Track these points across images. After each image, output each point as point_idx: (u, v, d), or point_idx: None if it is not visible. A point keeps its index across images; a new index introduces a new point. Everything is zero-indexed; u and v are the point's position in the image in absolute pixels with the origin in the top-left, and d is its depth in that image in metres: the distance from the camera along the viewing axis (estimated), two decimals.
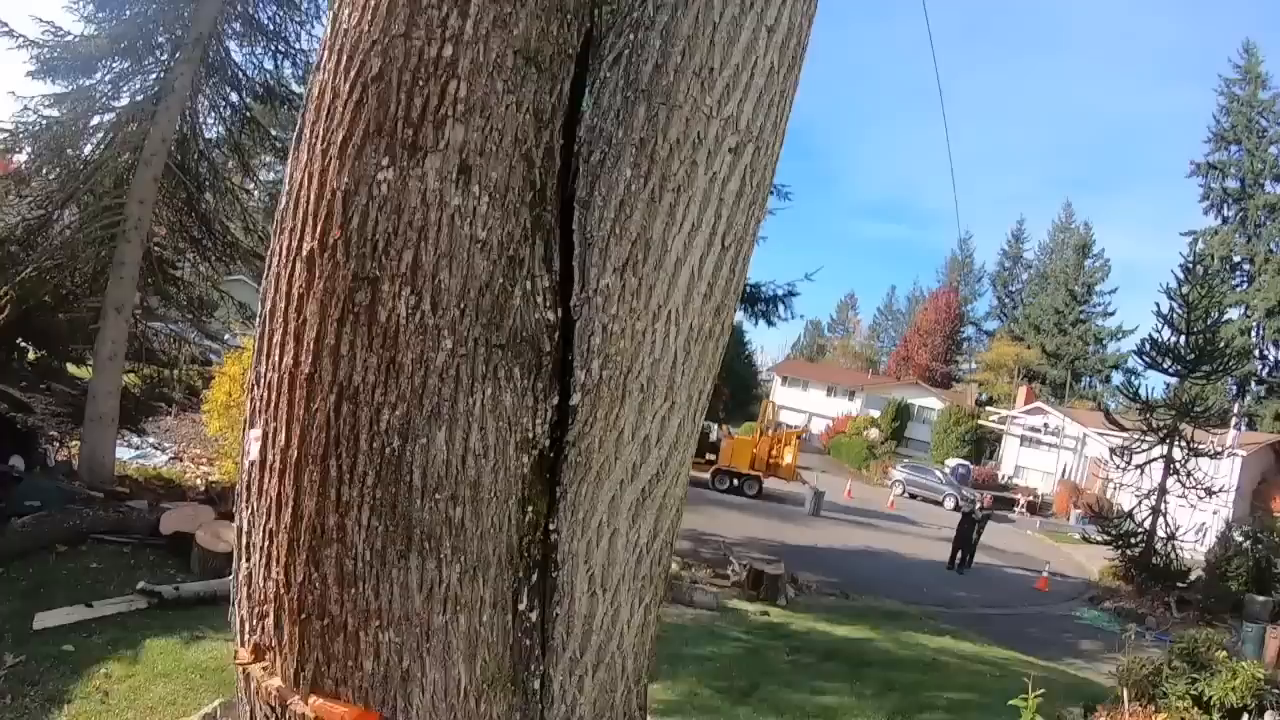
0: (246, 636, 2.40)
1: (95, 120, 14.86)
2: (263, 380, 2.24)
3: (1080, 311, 67.90)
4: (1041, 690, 5.42)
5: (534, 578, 2.27)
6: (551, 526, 2.26)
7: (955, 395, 57.95)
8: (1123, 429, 25.52)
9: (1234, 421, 33.02)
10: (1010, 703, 5.78)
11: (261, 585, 2.29)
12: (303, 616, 2.18)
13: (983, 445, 51.30)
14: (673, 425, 2.37)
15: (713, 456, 27.78)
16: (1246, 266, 52.72)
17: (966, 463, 45.59)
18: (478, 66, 2.14)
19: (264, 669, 2.35)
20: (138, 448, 15.66)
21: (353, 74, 2.15)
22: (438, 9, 2.16)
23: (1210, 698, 8.06)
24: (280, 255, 2.24)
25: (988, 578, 22.38)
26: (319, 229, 2.11)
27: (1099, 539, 24.76)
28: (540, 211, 2.14)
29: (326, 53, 2.27)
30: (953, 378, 67.93)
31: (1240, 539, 22.18)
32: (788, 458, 29.10)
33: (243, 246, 16.59)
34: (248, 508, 2.34)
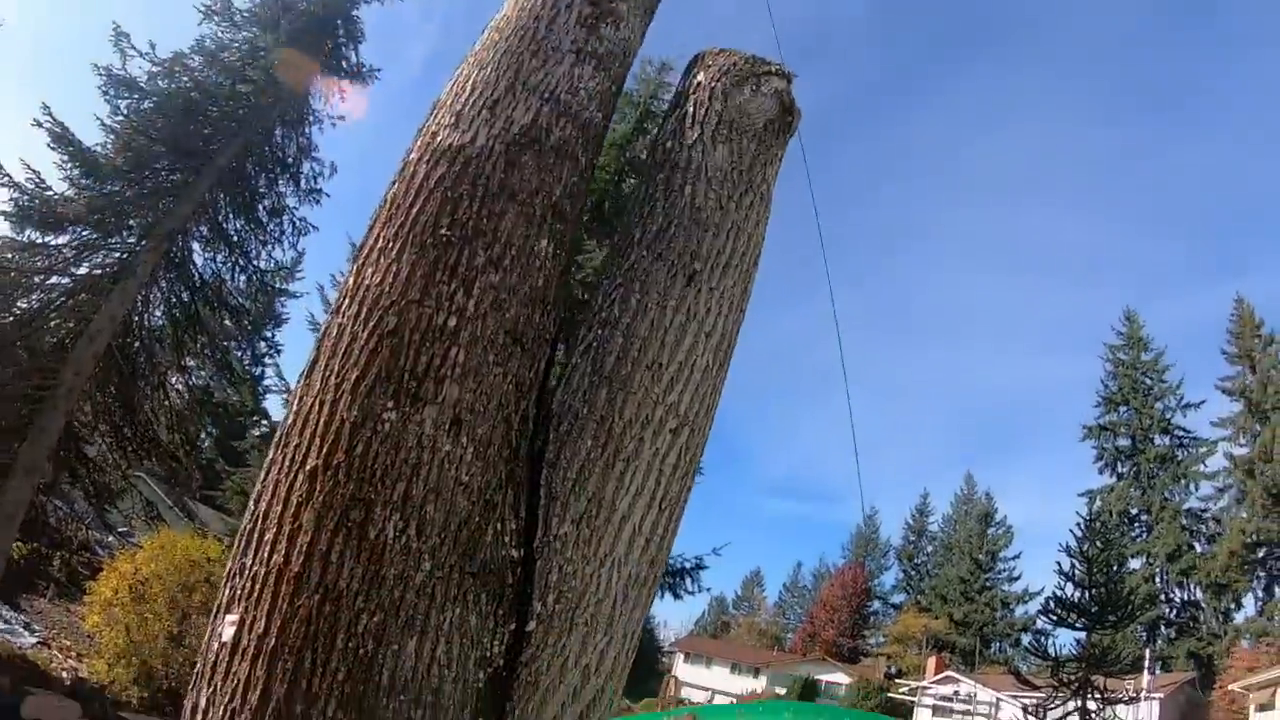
0: None
1: (52, 280, 15.11)
2: (247, 571, 2.55)
3: (985, 579, 69.29)
4: None
5: None
6: None
7: (864, 669, 57.35)
8: (1035, 687, 25.62)
9: (1146, 665, 33.32)
10: None
11: None
12: None
13: (894, 718, 50.37)
14: (609, 657, 2.75)
15: None
16: (1144, 517, 55.26)
17: None
18: (475, 339, 2.71)
19: None
20: (7, 622, 14.52)
21: (371, 325, 2.67)
22: (447, 285, 2.76)
23: None
24: (281, 465, 2.62)
25: None
26: (325, 450, 2.53)
27: None
28: (514, 466, 2.63)
29: (347, 301, 2.81)
30: (860, 652, 67.34)
31: None
32: None
33: (160, 443, 16.43)
34: (209, 686, 2.54)
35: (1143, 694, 27.91)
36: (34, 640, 14.62)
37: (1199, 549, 52.45)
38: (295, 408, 2.70)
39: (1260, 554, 47.71)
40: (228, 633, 2.56)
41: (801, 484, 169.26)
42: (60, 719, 9.74)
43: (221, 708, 2.50)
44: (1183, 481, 54.69)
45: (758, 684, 55.02)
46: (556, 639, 2.58)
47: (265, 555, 2.51)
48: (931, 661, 52.62)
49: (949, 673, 49.40)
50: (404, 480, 2.48)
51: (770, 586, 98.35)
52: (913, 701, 48.94)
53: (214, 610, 2.71)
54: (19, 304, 15.02)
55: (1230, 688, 35.74)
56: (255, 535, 2.59)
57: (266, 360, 21.70)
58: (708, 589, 74.95)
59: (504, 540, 2.58)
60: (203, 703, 2.59)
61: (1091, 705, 23.83)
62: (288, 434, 2.64)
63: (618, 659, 2.78)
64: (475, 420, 2.58)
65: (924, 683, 49.22)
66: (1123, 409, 59.65)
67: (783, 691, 50.69)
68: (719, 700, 50.94)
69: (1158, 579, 53.28)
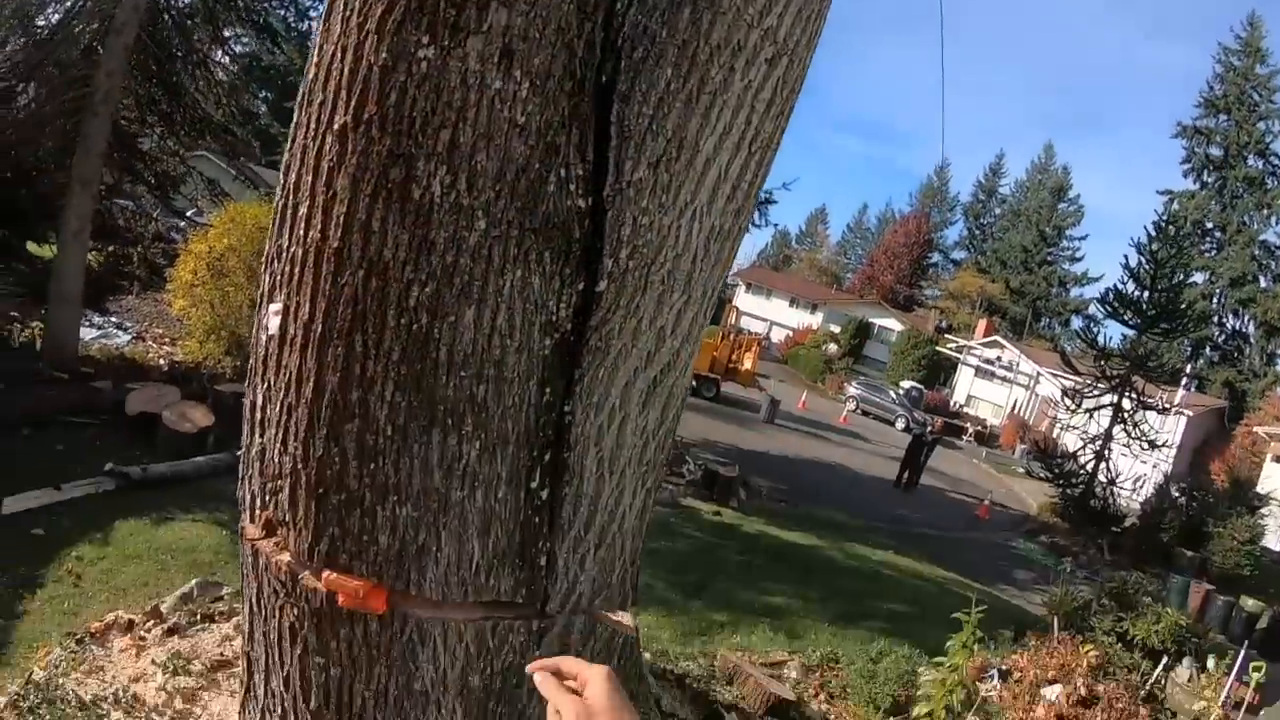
0: (257, 512, 2.47)
1: None
2: (285, 254, 2.25)
3: (1048, 253, 68.71)
4: (984, 607, 5.66)
5: (547, 457, 2.36)
6: (567, 409, 2.33)
7: (916, 319, 58.56)
8: (1077, 373, 26.07)
9: (1184, 381, 33.92)
10: (953, 615, 6.01)
11: (277, 460, 2.34)
12: (320, 491, 2.26)
13: (937, 371, 52.21)
14: (687, 318, 2.47)
15: None
16: (1218, 234, 53.62)
17: (920, 386, 46.43)
18: None
19: (275, 544, 2.43)
20: (100, 327, 15.33)
21: None
22: None
23: (1134, 637, 8.50)
24: (307, 128, 2.22)
25: (931, 500, 23.10)
26: (353, 103, 2.10)
27: (1042, 475, 25.59)
28: (578, 101, 2.15)
29: None
30: (915, 301, 68.51)
31: (1176, 494, 23.02)
32: (747, 363, 28.83)
33: (213, 121, 16.00)
34: (264, 383, 2.37)
35: (1173, 408, 28.15)
36: (128, 337, 15.44)
37: (1263, 283, 50.80)
38: (315, 59, 2.23)
39: None
40: (273, 324, 2.30)
41: (874, 124, 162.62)
42: (162, 405, 10.36)
43: (278, 404, 2.31)
44: (1265, 211, 51.76)
45: (814, 319, 57.06)
46: (630, 299, 2.28)
47: (301, 234, 2.19)
48: (982, 324, 53.70)
49: (997, 338, 50.62)
50: (448, 127, 2.06)
51: (834, 225, 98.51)
52: (958, 359, 50.74)
53: (257, 300, 2.43)
54: (38, 21, 13.97)
55: (1255, 429, 36.01)
56: (289, 212, 2.25)
57: (311, 13, 20.17)
58: (775, 224, 74.27)
59: (569, 189, 2.18)
60: (259, 399, 2.41)
61: (1126, 404, 24.13)
62: (310, 91, 2.21)
63: (695, 320, 2.52)
64: (530, 49, 2.08)
65: (971, 343, 50.64)
66: (1222, 118, 54.90)
67: (837, 329, 52.71)
68: (777, 332, 53.31)
69: (1215, 300, 52.27)
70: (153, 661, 4.50)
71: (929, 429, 25.41)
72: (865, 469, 24.50)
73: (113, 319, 16.15)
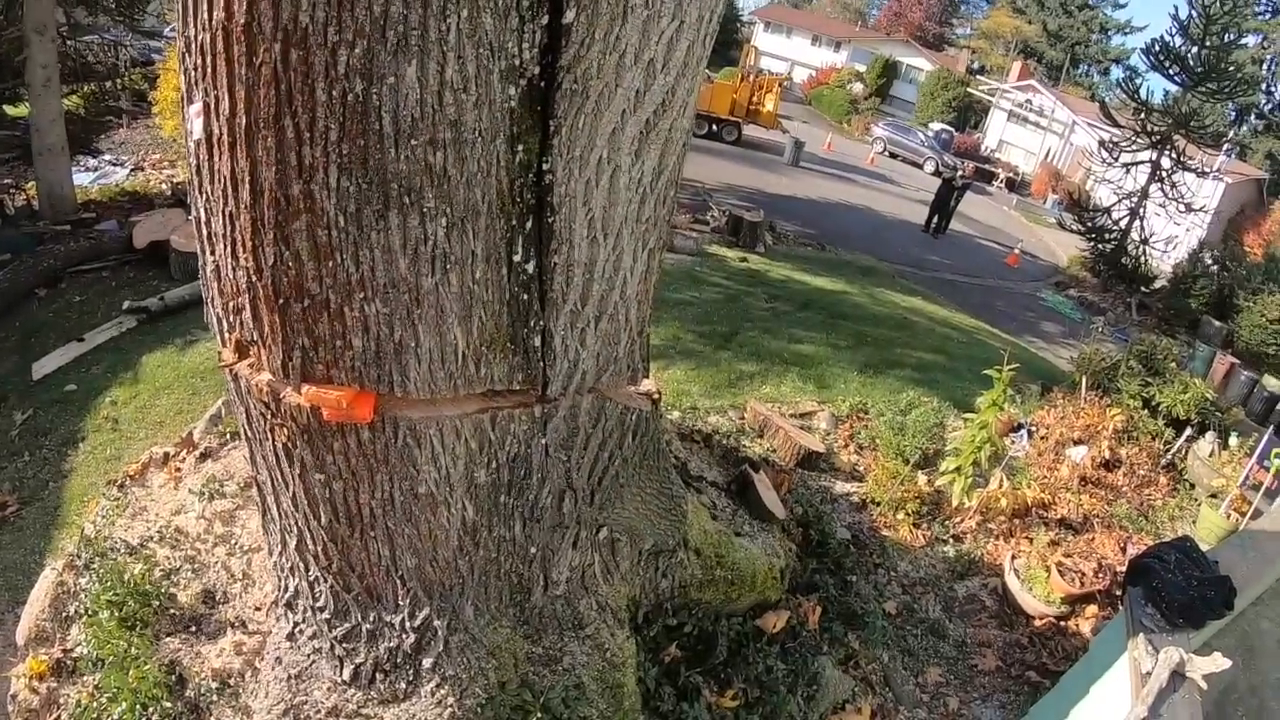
0: (226, 335, 2.27)
1: None
2: (194, 45, 1.89)
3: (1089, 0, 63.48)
4: (1015, 365, 5.52)
5: (528, 225, 2.10)
6: (545, 166, 2.04)
7: (946, 59, 54.70)
8: (1117, 125, 24.59)
9: (1226, 147, 31.85)
10: (984, 371, 5.88)
11: (232, 276, 2.11)
12: (280, 302, 2.03)
13: (968, 114, 49.56)
14: (680, 47, 2.08)
15: None
16: None
17: (950, 128, 44.36)
18: None
19: (250, 365, 2.25)
20: (95, 169, 14.88)
21: None
22: None
23: (1160, 404, 8.33)
24: None
25: (960, 246, 22.62)
26: None
27: (1074, 227, 24.89)
28: None
29: None
30: (946, 40, 63.70)
31: (1209, 262, 22.32)
32: (769, 105, 27.05)
33: None
34: (201, 194, 2.10)
35: (1213, 172, 26.50)
36: (127, 171, 14.98)
37: None
38: None
39: None
40: (197, 126, 1.98)
41: None
42: (169, 230, 10.13)
43: (220, 214, 2.03)
44: None
45: (838, 58, 53.49)
46: (606, 29, 1.91)
47: (206, 16, 1.82)
48: (1017, 66, 50.25)
49: (1032, 82, 47.48)
50: None
51: None
52: (990, 101, 48.15)
53: (180, 105, 2.12)
54: None
55: None
56: None
57: None
58: None
59: None
60: (202, 213, 2.13)
61: (1165, 162, 22.77)
62: None
63: (691, 50, 2.12)
64: None
65: (1005, 86, 47.68)
66: None
67: (862, 69, 49.95)
68: (799, 72, 50.89)
69: (1265, 65, 47.85)
70: (190, 491, 4.53)
71: (959, 173, 24.30)
72: (894, 213, 23.83)
73: (107, 157, 15.66)
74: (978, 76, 52.43)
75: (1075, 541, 5.78)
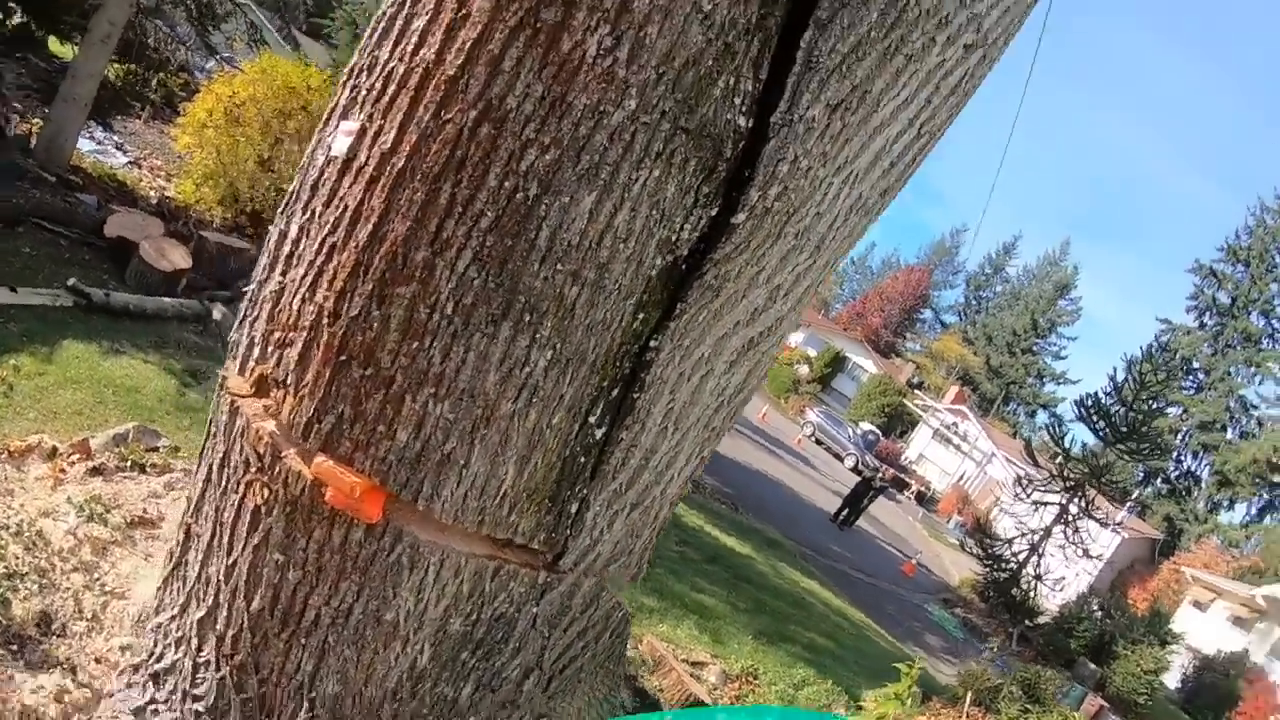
0: (251, 364, 2.08)
1: None
2: (379, 68, 1.86)
3: (1034, 343, 69.08)
4: (921, 665, 5.48)
5: (614, 393, 2.04)
6: (653, 344, 2.00)
7: (891, 366, 58.31)
8: (1036, 464, 26.20)
9: (1130, 504, 34.39)
10: (893, 665, 5.89)
11: (296, 307, 1.97)
12: (341, 359, 1.88)
13: (897, 422, 52.02)
14: (803, 285, 2.18)
15: None
16: (1201, 376, 54.45)
17: (878, 431, 46.28)
18: None
19: (264, 407, 2.05)
20: (99, 143, 14.55)
21: None
22: None
23: None
24: None
25: (863, 543, 23.06)
26: None
27: (973, 551, 25.73)
28: (769, 11, 1.78)
29: None
30: (895, 350, 68.13)
31: (1095, 607, 23.24)
32: None
33: None
34: (305, 212, 1.99)
35: (1113, 525, 28.57)
36: (125, 160, 14.68)
37: (1229, 435, 51.94)
38: None
39: (1276, 479, 47.38)
40: (340, 144, 1.91)
41: None
42: (143, 235, 9.75)
43: (317, 240, 1.92)
44: (1253, 369, 52.80)
45: (795, 338, 56.40)
46: (760, 243, 1.95)
47: (409, 49, 1.81)
48: (954, 390, 53.68)
49: (964, 408, 50.58)
50: None
51: None
52: (921, 416, 50.81)
53: (325, 116, 2.03)
54: None
55: (1181, 568, 36.80)
56: (399, 22, 1.87)
57: None
58: None
59: (734, 101, 1.84)
60: (293, 230, 2.02)
61: (1073, 507, 24.29)
62: None
63: (808, 290, 2.23)
64: None
65: (938, 405, 50.62)
66: (1239, 267, 55.85)
67: (813, 354, 52.29)
68: None
69: (1179, 436, 53.22)
70: (69, 499, 4.07)
71: (880, 475, 25.37)
72: (809, 496, 24.36)
73: (114, 138, 15.37)
74: (916, 390, 55.97)
75: None
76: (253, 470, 2.06)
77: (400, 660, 2.13)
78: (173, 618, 2.45)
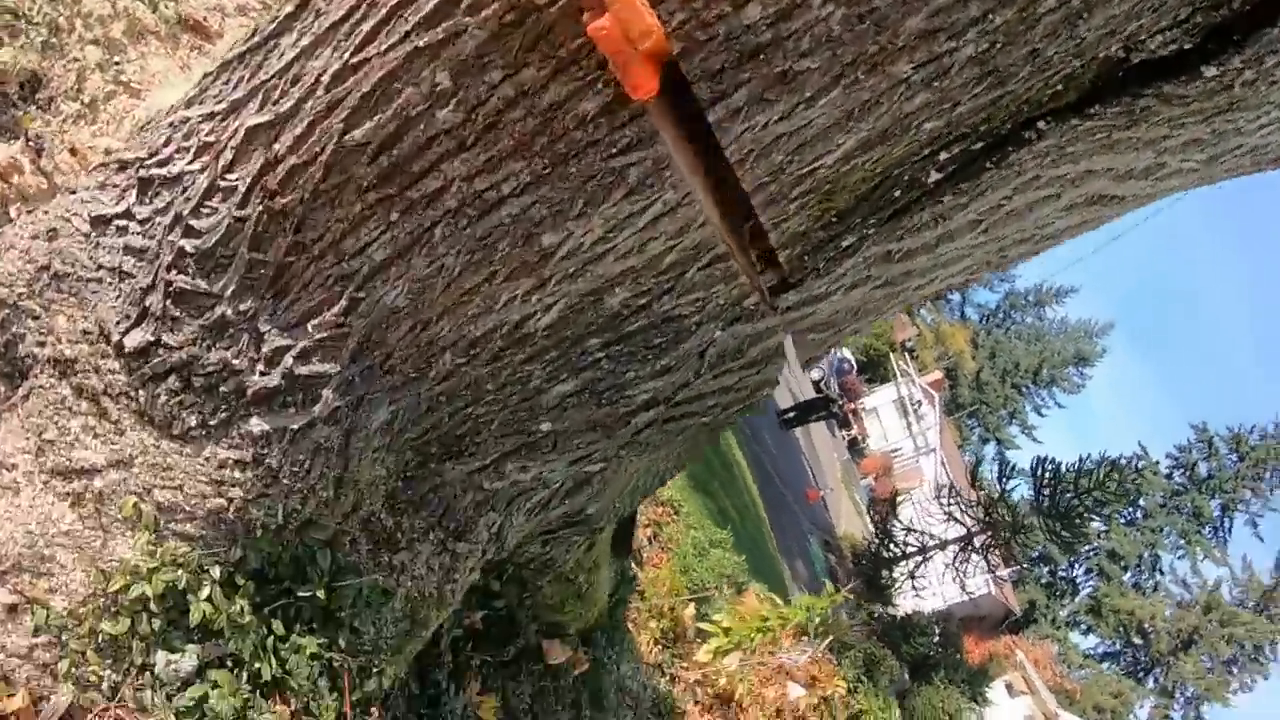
0: None
1: None
2: None
3: (1027, 386, 68.64)
4: (844, 597, 5.56)
5: (976, 147, 1.48)
6: (1043, 125, 1.47)
7: (897, 319, 57.62)
8: (972, 486, 26.55)
9: (1014, 570, 35.50)
10: (824, 583, 5.96)
11: None
12: None
13: (871, 368, 52.10)
14: (1155, 186, 1.73)
15: None
16: (1139, 515, 55.37)
17: (853, 363, 46.33)
18: None
19: None
20: None
21: None
22: None
23: (859, 703, 8.68)
24: None
25: (791, 448, 23.58)
26: None
27: (872, 517, 26.31)
28: None
29: None
30: (909, 310, 67.54)
31: (937, 631, 24.30)
32: None
33: None
34: None
35: (995, 577, 29.82)
36: None
37: (1126, 578, 53.83)
38: None
39: (1135, 639, 49.49)
40: None
41: None
42: None
43: None
44: (1184, 541, 53.29)
45: None
46: (1191, 109, 1.46)
47: None
48: (936, 374, 53.27)
49: (936, 396, 50.55)
50: None
51: None
52: (894, 377, 50.79)
53: None
54: None
55: (1017, 650, 38.73)
56: None
57: None
58: None
59: None
60: None
61: (976, 541, 24.67)
62: None
63: (1144, 198, 1.83)
64: None
65: (915, 378, 50.47)
66: (1233, 458, 54.61)
67: None
68: None
69: (1088, 549, 54.52)
70: None
71: (838, 402, 25.44)
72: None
73: None
74: (906, 353, 55.39)
75: None
76: None
77: (513, 306, 1.51)
78: (211, 114, 1.73)
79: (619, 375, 1.69)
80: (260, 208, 1.59)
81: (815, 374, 36.61)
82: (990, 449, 62.63)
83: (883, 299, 1.76)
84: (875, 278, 1.64)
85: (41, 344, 1.82)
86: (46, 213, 1.94)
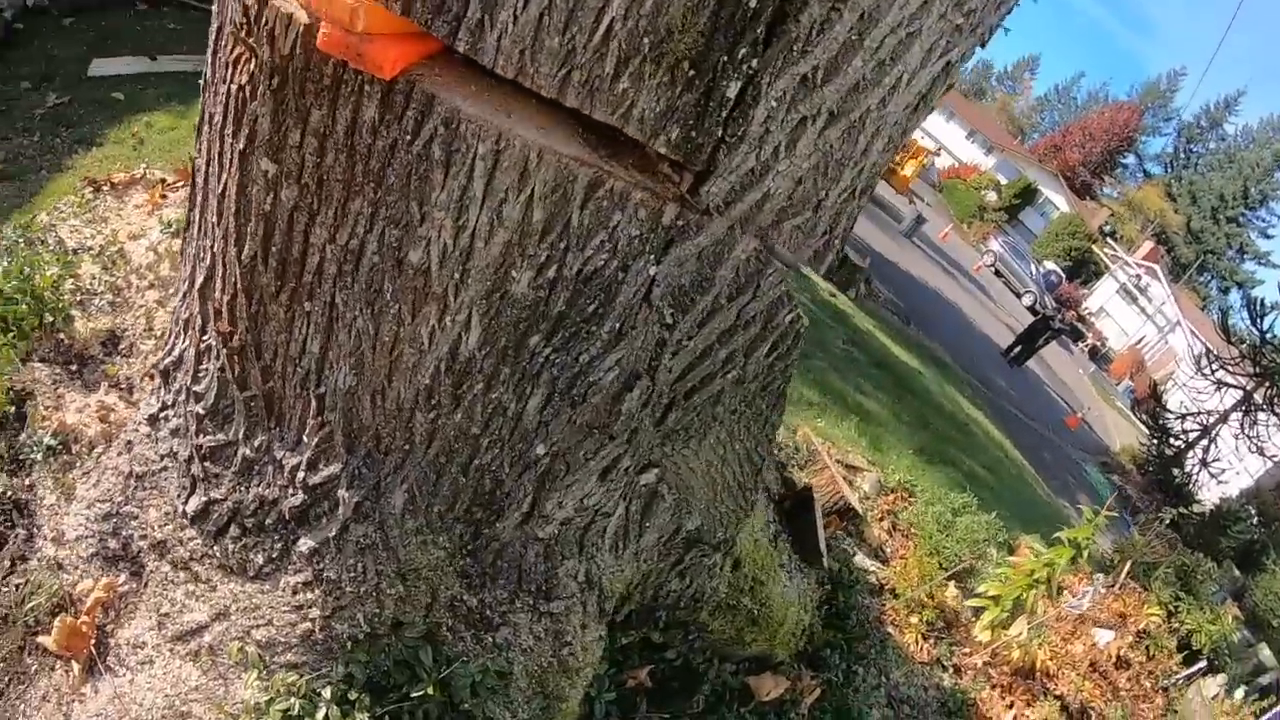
0: None
1: None
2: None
3: (1243, 213, 61.29)
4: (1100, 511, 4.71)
5: None
6: None
7: (1083, 207, 52.89)
8: (1229, 340, 23.52)
9: None
10: (1079, 505, 5.27)
11: None
12: None
13: (1081, 269, 48.22)
14: None
15: None
16: None
17: (1061, 273, 42.99)
18: None
19: None
20: None
21: None
22: None
23: (1185, 624, 7.72)
24: None
25: (1030, 385, 21.88)
26: None
27: (1143, 419, 23.91)
28: None
29: None
30: (1091, 192, 61.73)
31: (1253, 511, 21.37)
32: (908, 170, 26.23)
33: None
34: None
35: None
36: None
37: None
38: None
39: None
40: None
41: None
42: None
43: None
44: None
45: (985, 161, 51.42)
46: None
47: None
48: (1147, 245, 48.63)
49: (1155, 267, 46.12)
50: None
51: (1041, 80, 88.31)
52: (1107, 268, 46.83)
53: None
54: None
55: None
56: None
57: None
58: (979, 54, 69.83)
59: None
60: None
61: (1258, 397, 21.57)
62: None
63: None
64: None
65: (1128, 258, 46.35)
66: None
67: (1003, 181, 48.45)
68: (943, 158, 49.39)
69: None
70: (160, 219, 3.72)
71: (1059, 317, 23.51)
72: (980, 325, 23.09)
73: None
74: (1107, 239, 50.99)
75: None
76: (240, 32, 1.32)
77: (437, 338, 1.41)
78: (183, 296, 1.88)
79: (574, 364, 1.48)
80: (226, 351, 1.67)
81: (1026, 300, 34.34)
82: (1234, 295, 56.19)
83: (847, 137, 1.38)
84: (811, 116, 1.31)
85: (144, 537, 2.01)
86: (124, 430, 2.19)
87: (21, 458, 2.44)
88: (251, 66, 1.31)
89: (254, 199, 1.42)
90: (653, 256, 1.37)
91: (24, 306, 2.77)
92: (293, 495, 1.69)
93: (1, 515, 2.33)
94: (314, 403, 1.58)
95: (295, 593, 1.71)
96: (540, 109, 1.23)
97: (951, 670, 4.81)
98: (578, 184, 1.25)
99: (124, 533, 2.02)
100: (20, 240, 3.21)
